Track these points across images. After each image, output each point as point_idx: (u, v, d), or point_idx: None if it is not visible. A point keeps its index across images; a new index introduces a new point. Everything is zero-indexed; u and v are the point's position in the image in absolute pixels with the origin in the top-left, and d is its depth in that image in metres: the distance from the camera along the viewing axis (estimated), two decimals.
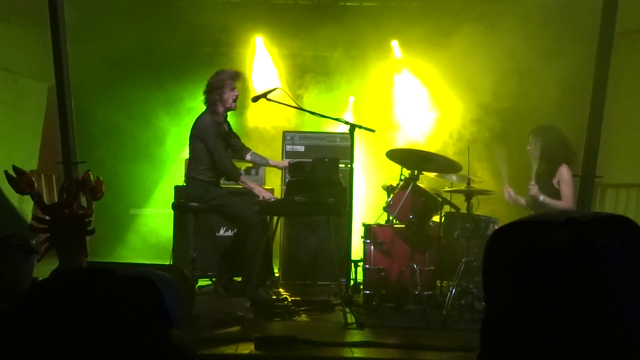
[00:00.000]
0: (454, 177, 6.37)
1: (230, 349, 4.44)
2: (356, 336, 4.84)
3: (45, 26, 5.03)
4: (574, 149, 5.87)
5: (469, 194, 5.60)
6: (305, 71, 8.55)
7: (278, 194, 6.84)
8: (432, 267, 5.83)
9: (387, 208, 5.80)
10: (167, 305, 1.07)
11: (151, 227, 8.18)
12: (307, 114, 6.28)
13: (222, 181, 6.29)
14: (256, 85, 8.53)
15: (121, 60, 8.01)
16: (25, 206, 7.83)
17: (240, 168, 6.32)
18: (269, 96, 5.84)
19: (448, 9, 8.09)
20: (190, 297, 4.89)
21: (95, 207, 3.64)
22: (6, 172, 3.25)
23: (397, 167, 6.02)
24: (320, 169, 5.69)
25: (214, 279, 6.32)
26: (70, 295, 0.95)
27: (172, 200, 6.49)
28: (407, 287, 5.67)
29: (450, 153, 7.03)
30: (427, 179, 6.56)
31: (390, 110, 8.50)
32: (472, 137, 7.48)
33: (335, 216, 5.57)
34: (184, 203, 6.10)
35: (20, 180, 3.22)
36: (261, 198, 5.82)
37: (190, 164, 6.10)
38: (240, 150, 6.36)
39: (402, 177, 5.90)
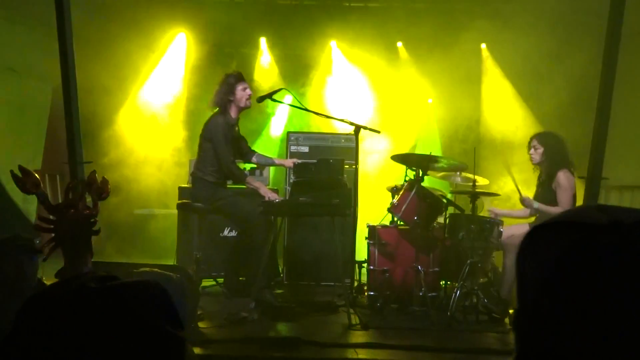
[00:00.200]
0: (458, 179, 6.37)
1: (234, 350, 4.43)
2: (360, 337, 4.84)
3: (50, 26, 5.02)
4: (572, 155, 5.91)
5: (474, 196, 5.59)
6: (309, 71, 8.55)
7: (282, 195, 6.84)
8: (436, 269, 5.82)
9: (392, 209, 5.79)
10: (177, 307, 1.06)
11: (155, 227, 8.18)
12: (310, 114, 6.27)
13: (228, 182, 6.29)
14: (261, 86, 8.54)
15: (127, 62, 8.04)
16: (29, 206, 7.84)
17: (245, 169, 6.32)
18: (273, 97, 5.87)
19: (453, 10, 8.10)
20: (195, 297, 4.88)
21: (99, 207, 3.63)
22: (12, 172, 3.24)
23: (402, 168, 6.01)
24: (325, 170, 5.69)
25: (218, 279, 6.31)
26: (81, 304, 0.95)
27: (175, 200, 6.48)
28: (412, 288, 5.66)
29: (455, 154, 7.02)
30: (432, 180, 6.56)
31: (391, 110, 8.49)
32: (478, 138, 7.48)
33: (340, 217, 5.56)
34: (190, 203, 6.10)
35: (26, 180, 3.20)
36: (267, 198, 5.82)
37: (198, 163, 6.10)
38: (246, 153, 6.37)
39: (407, 179, 5.89)
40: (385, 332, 5.00)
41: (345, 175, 5.94)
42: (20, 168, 3.35)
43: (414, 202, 5.61)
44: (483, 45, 8.62)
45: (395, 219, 5.94)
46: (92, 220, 3.40)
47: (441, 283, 5.99)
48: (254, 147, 6.70)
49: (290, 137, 7.26)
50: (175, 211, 6.91)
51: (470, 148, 5.99)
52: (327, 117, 6.41)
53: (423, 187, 5.76)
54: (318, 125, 8.29)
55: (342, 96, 8.76)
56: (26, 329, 0.96)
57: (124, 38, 7.68)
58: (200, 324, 4.95)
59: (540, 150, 5.91)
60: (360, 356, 4.40)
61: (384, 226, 6.06)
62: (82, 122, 4.98)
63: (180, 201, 6.44)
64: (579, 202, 5.42)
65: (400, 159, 5.92)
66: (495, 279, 5.89)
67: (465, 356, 4.51)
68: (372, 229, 5.97)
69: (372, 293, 5.81)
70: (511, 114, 7.90)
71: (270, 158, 6.67)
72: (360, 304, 5.75)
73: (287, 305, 5.52)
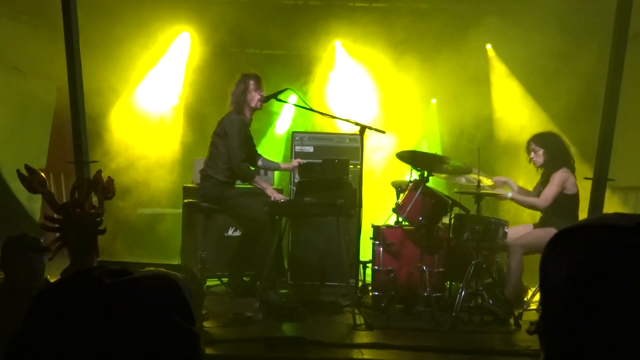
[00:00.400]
0: (462, 179, 6.36)
1: (239, 350, 4.43)
2: (365, 337, 4.83)
3: (55, 25, 5.03)
4: (571, 151, 5.90)
5: (479, 196, 5.58)
6: (314, 71, 8.55)
7: (287, 195, 6.84)
8: (441, 269, 5.82)
9: (397, 209, 5.78)
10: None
11: (159, 227, 8.18)
12: (314, 114, 6.27)
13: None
14: (265, 85, 8.52)
15: (132, 63, 8.06)
16: (34, 205, 7.85)
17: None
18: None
19: (458, 10, 8.09)
20: (200, 297, 4.88)
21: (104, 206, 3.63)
22: (18, 171, 3.24)
23: (407, 167, 6.00)
24: (330, 170, 5.68)
25: (223, 279, 6.31)
26: (96, 299, 0.94)
27: (180, 200, 6.48)
28: (416, 288, 5.65)
29: (461, 154, 7.02)
30: (436, 181, 6.55)
31: (396, 110, 8.49)
32: (484, 138, 7.47)
33: (345, 217, 5.56)
34: (196, 203, 6.10)
35: (32, 179, 3.21)
36: (273, 199, 5.81)
37: (209, 161, 6.09)
38: (253, 156, 6.37)
39: (412, 180, 5.88)
40: (389, 332, 4.99)
41: (350, 176, 5.94)
42: (27, 167, 3.35)
43: (419, 203, 5.60)
44: (488, 46, 8.61)
45: (400, 219, 5.93)
46: (98, 219, 3.41)
47: (446, 283, 5.98)
48: (259, 147, 6.71)
49: (295, 137, 7.25)
50: (180, 211, 6.91)
51: (476, 148, 5.98)
52: (333, 117, 6.41)
53: (428, 187, 5.75)
54: (323, 125, 8.29)
55: (346, 96, 8.75)
56: (38, 324, 0.95)
57: (129, 39, 7.69)
58: (205, 324, 4.95)
59: (540, 152, 5.91)
60: (365, 356, 4.40)
61: (389, 226, 6.06)
62: (87, 122, 4.99)
63: (186, 200, 6.44)
64: (585, 203, 5.40)
65: (406, 156, 5.88)
66: (500, 280, 5.88)
67: (470, 357, 4.50)
68: (376, 229, 5.96)
69: (376, 293, 5.80)
70: (518, 114, 7.88)
71: (276, 163, 6.69)
72: (364, 304, 5.74)
73: (291, 305, 5.52)
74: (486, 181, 6.26)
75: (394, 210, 5.83)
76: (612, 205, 7.83)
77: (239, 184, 6.35)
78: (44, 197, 3.40)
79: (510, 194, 5.83)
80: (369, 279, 6.20)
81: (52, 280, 3.60)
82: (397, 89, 8.48)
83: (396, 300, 5.66)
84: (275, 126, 9.36)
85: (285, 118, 9.34)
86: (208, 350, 4.31)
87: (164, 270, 4.19)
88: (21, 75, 7.78)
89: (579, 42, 7.16)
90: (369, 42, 8.15)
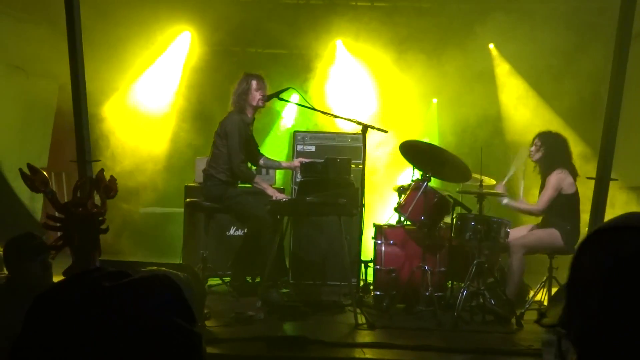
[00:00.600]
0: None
1: (241, 349, 4.43)
2: (367, 337, 4.83)
3: (57, 24, 5.03)
4: (572, 157, 5.89)
5: (481, 196, 5.57)
6: (315, 70, 8.54)
7: (289, 194, 6.84)
8: (443, 269, 5.81)
9: (399, 209, 5.77)
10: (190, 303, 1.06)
11: (161, 226, 8.19)
12: (316, 113, 6.26)
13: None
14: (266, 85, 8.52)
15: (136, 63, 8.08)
16: (36, 204, 7.85)
17: (251, 168, 6.33)
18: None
19: (459, 9, 8.08)
20: (202, 296, 4.88)
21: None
22: (21, 170, 3.24)
23: (409, 167, 5.99)
24: (332, 169, 5.68)
25: (224, 278, 6.31)
26: (95, 303, 0.94)
27: (182, 199, 6.48)
28: (418, 288, 5.64)
29: (463, 154, 7.00)
30: (439, 180, 6.53)
31: (398, 109, 8.48)
32: (487, 137, 7.46)
33: (347, 216, 5.55)
34: (199, 202, 6.10)
35: (34, 178, 3.21)
36: (274, 199, 5.81)
37: (211, 161, 6.09)
38: (255, 155, 6.36)
39: (414, 179, 5.87)
40: (391, 331, 4.99)
41: (352, 175, 5.93)
42: (29, 166, 3.35)
43: (421, 202, 5.60)
44: (491, 46, 8.59)
45: (402, 218, 5.93)
46: (100, 218, 3.41)
47: (448, 283, 5.98)
48: (261, 146, 6.70)
49: (297, 136, 7.25)
50: (182, 210, 6.91)
51: (479, 147, 5.97)
52: (335, 116, 6.40)
53: (430, 186, 5.74)
54: (324, 124, 8.28)
55: (348, 95, 8.74)
56: (38, 329, 0.95)
57: (130, 39, 7.69)
58: (207, 323, 4.95)
59: (541, 148, 5.91)
60: (367, 356, 4.40)
61: (391, 226, 6.05)
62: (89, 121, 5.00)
63: (188, 199, 6.44)
64: (587, 203, 5.39)
65: (408, 148, 5.81)
66: (502, 279, 5.87)
67: (471, 356, 4.50)
68: (378, 229, 5.96)
69: (378, 293, 5.80)
70: (523, 112, 7.87)
71: (278, 162, 6.69)
72: (366, 304, 5.74)
73: (293, 304, 5.52)
74: (489, 181, 6.26)
75: (395, 210, 5.82)
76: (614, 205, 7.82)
77: (241, 184, 6.35)
78: (47, 196, 3.40)
79: (505, 200, 5.82)
80: (370, 278, 6.20)
81: (54, 279, 3.60)
82: (399, 87, 8.47)
83: (398, 300, 5.65)
84: (278, 125, 9.35)
85: (287, 117, 9.33)
86: (210, 350, 4.31)
87: (165, 269, 4.20)
88: (23, 74, 7.78)
89: (584, 41, 7.15)
90: (371, 40, 8.14)
